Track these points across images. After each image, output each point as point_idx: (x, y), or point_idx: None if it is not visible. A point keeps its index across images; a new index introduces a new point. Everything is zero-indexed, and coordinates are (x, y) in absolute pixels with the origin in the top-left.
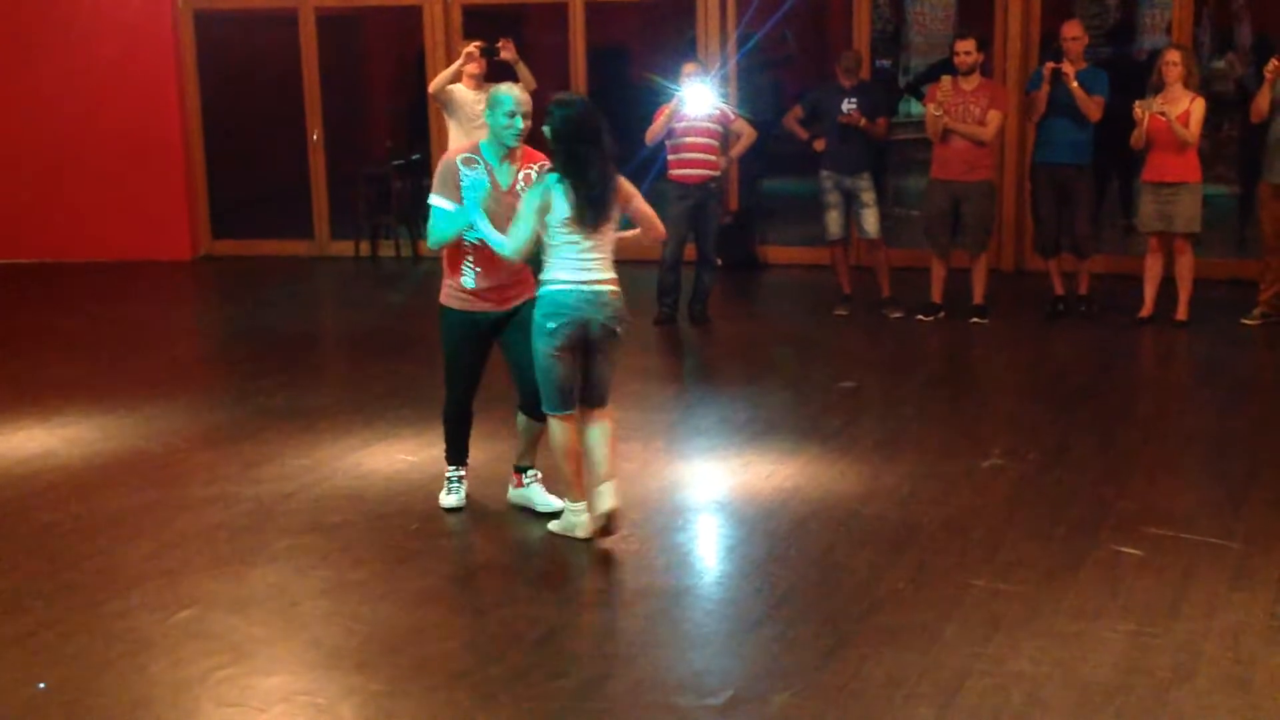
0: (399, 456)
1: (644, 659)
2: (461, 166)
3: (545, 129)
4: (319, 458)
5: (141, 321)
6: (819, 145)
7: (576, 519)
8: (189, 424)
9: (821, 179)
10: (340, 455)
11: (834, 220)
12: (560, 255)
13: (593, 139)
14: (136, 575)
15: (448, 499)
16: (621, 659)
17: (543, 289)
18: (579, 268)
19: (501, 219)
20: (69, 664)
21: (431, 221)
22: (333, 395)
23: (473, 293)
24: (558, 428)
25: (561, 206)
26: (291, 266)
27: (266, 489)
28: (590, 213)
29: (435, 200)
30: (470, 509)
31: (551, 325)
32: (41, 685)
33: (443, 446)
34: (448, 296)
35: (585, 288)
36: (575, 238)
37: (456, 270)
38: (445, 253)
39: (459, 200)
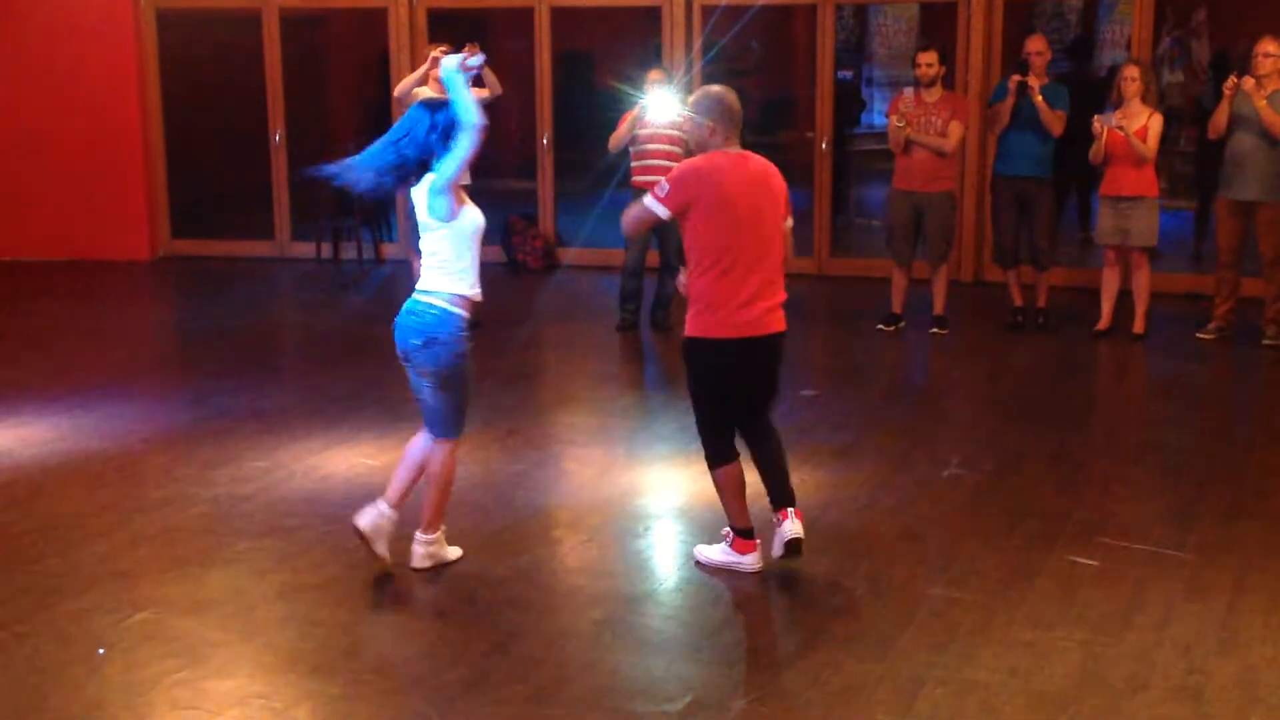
0: (359, 460)
1: (602, 664)
2: None
3: None
4: (278, 460)
5: (99, 321)
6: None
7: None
8: (146, 425)
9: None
10: (299, 458)
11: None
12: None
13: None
14: (92, 577)
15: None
16: (580, 664)
17: None
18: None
19: None
20: (23, 665)
21: None
22: (292, 397)
23: None
24: None
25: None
26: (252, 267)
27: (224, 491)
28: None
29: None
30: None
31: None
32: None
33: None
34: None
35: (411, 299)
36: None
37: None
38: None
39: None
